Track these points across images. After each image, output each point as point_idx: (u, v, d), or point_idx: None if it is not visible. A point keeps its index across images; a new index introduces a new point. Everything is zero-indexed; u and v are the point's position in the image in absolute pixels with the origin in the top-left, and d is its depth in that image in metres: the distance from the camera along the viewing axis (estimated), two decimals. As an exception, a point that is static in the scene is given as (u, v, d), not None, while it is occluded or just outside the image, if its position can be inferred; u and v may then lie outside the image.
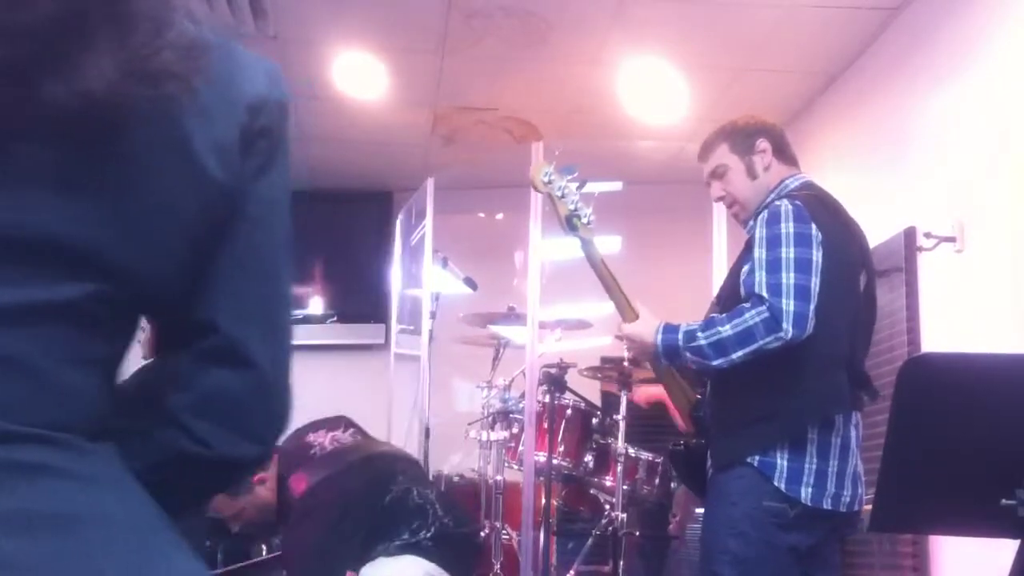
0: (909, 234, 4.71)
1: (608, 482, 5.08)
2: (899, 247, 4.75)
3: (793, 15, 5.14)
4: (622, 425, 5.00)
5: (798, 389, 2.95)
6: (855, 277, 3.12)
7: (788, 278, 2.89)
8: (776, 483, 2.92)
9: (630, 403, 5.04)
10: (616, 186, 6.44)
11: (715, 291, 3.50)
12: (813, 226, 2.98)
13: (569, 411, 5.12)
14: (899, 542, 4.48)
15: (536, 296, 4.78)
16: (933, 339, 4.53)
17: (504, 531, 5.34)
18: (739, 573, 2.94)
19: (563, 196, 3.35)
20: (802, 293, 2.87)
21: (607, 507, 5.12)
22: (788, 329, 2.83)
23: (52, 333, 0.93)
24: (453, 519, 3.59)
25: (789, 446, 2.94)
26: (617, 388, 5.14)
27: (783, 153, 3.30)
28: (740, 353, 2.88)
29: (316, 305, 7.73)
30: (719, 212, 4.81)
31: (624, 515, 4.90)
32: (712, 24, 5.29)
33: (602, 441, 5.13)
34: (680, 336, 3.00)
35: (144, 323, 1.09)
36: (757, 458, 2.95)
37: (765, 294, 2.87)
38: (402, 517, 3.55)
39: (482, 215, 7.47)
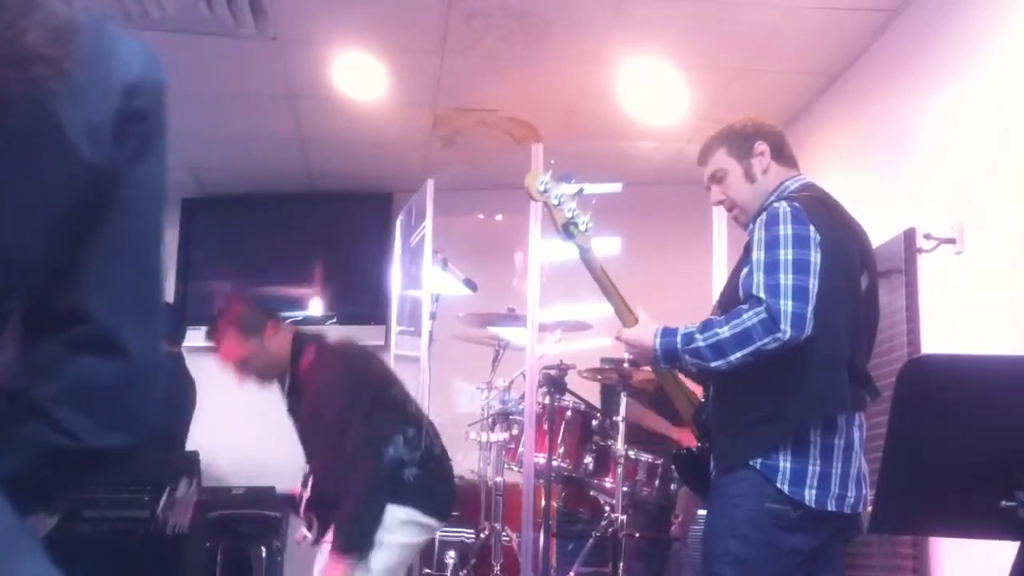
0: (909, 235, 4.71)
1: (608, 484, 5.08)
2: (899, 248, 4.74)
3: (792, 16, 5.14)
4: (622, 427, 5.00)
5: (799, 390, 2.94)
6: (855, 277, 3.11)
7: (786, 279, 2.88)
8: (779, 485, 2.91)
9: (630, 403, 5.05)
10: (616, 187, 6.44)
11: (715, 292, 3.50)
12: (811, 227, 2.97)
13: (569, 412, 5.12)
14: (899, 543, 4.48)
15: (536, 297, 4.78)
16: (933, 340, 4.52)
17: (504, 533, 5.34)
18: (739, 574, 2.93)
19: (560, 204, 3.33)
20: (800, 294, 2.86)
21: (607, 509, 5.11)
22: (786, 330, 2.82)
23: None
24: (440, 448, 3.83)
25: (792, 448, 2.93)
26: (617, 383, 5.14)
27: (782, 155, 3.29)
28: (739, 354, 2.86)
29: (316, 306, 7.73)
30: (719, 214, 4.80)
31: (624, 517, 4.90)
32: (712, 24, 5.29)
33: (602, 443, 5.13)
34: (679, 339, 2.98)
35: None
36: (759, 460, 2.94)
37: (763, 295, 2.87)
38: (403, 416, 3.79)
39: (482, 216, 7.46)
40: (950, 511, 2.39)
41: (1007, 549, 2.39)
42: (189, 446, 5.71)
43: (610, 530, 4.94)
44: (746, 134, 3.29)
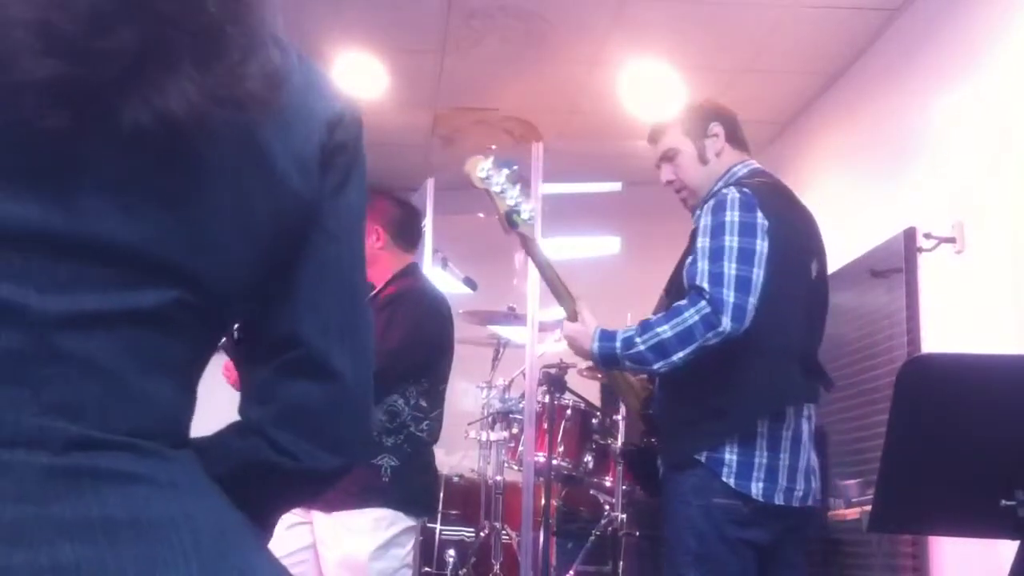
0: (909, 235, 4.71)
1: (608, 482, 5.09)
2: (899, 248, 4.74)
3: (793, 15, 5.14)
4: (622, 425, 5.01)
5: (748, 383, 2.89)
6: (806, 265, 3.05)
7: (730, 268, 2.82)
8: (725, 479, 2.86)
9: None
10: (615, 187, 6.45)
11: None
12: (759, 214, 2.91)
13: (569, 411, 5.13)
14: (899, 542, 4.48)
15: (536, 296, 4.78)
16: (933, 340, 4.53)
17: (504, 531, 5.35)
18: (703, 572, 2.88)
19: (502, 192, 3.23)
20: (743, 285, 2.81)
21: (607, 507, 5.13)
22: (727, 323, 2.77)
23: (134, 339, 0.94)
24: (432, 438, 3.80)
25: (739, 441, 2.88)
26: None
27: (735, 139, 3.23)
28: (682, 354, 2.80)
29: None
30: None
31: (624, 515, 4.91)
32: (711, 25, 5.29)
33: (602, 441, 5.13)
34: (618, 343, 2.90)
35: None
36: (705, 454, 2.88)
37: (706, 285, 2.80)
38: (431, 388, 3.79)
39: (482, 215, 7.45)
40: (950, 510, 2.39)
41: (1007, 548, 2.39)
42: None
43: (610, 529, 4.96)
44: (702, 113, 3.23)
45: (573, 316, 3.10)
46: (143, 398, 0.94)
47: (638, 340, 2.85)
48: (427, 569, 5.38)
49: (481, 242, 6.91)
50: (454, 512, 5.67)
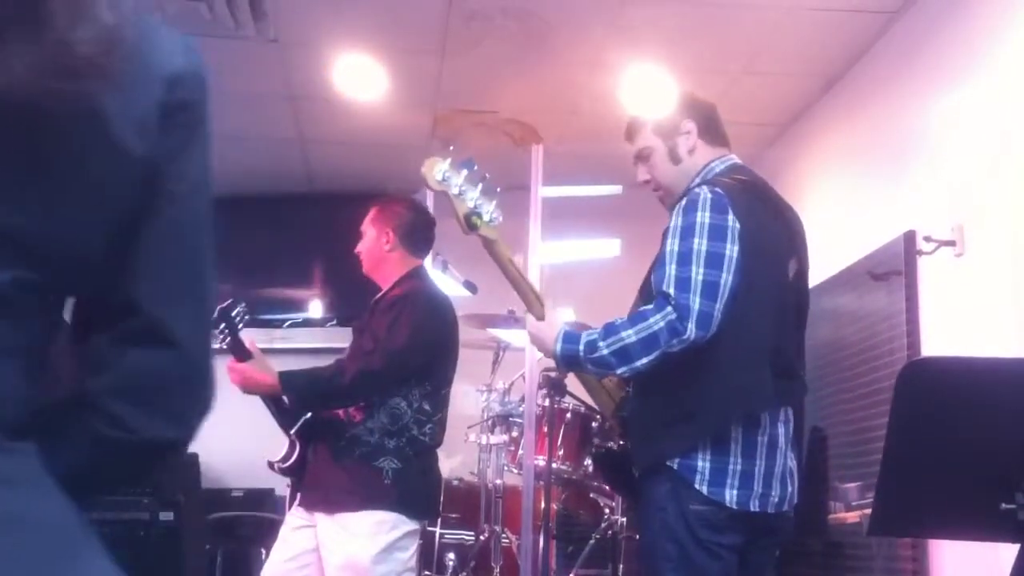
0: (909, 237, 4.71)
1: (607, 486, 5.08)
2: (899, 251, 4.74)
3: (792, 18, 5.14)
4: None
5: (719, 386, 2.82)
6: (781, 266, 2.98)
7: (697, 273, 2.76)
8: (698, 487, 2.80)
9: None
10: (616, 189, 6.44)
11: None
12: (730, 216, 2.84)
13: (569, 415, 5.11)
14: (899, 545, 4.48)
15: (536, 300, 4.77)
16: (933, 343, 4.52)
17: (504, 535, 5.34)
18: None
19: (460, 194, 3.12)
20: (710, 290, 2.74)
21: (607, 511, 5.11)
22: (692, 330, 2.71)
23: None
24: (434, 441, 3.83)
25: (712, 446, 2.81)
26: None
27: (712, 134, 3.15)
28: (645, 360, 2.74)
29: (316, 308, 7.72)
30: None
31: (624, 519, 4.90)
32: (711, 27, 5.29)
33: (602, 445, 5.12)
34: (581, 347, 2.83)
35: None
36: (677, 461, 2.82)
37: (672, 291, 2.74)
38: (433, 393, 3.83)
39: (482, 218, 7.45)
40: (950, 513, 2.39)
41: (1007, 551, 2.39)
42: (189, 448, 5.71)
43: (610, 532, 4.95)
44: (674, 110, 3.16)
45: (540, 316, 3.03)
46: None
47: (601, 344, 2.78)
48: (427, 572, 5.37)
49: (481, 245, 6.93)
50: (454, 515, 5.66)
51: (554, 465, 4.96)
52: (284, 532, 3.85)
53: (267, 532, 5.59)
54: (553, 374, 5.06)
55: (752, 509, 2.83)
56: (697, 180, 3.06)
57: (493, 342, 5.72)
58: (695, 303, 2.72)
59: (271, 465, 3.92)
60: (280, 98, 6.15)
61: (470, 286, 5.62)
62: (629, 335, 2.75)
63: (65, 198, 0.96)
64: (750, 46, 5.49)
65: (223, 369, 3.84)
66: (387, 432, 3.70)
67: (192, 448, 5.83)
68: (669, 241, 2.86)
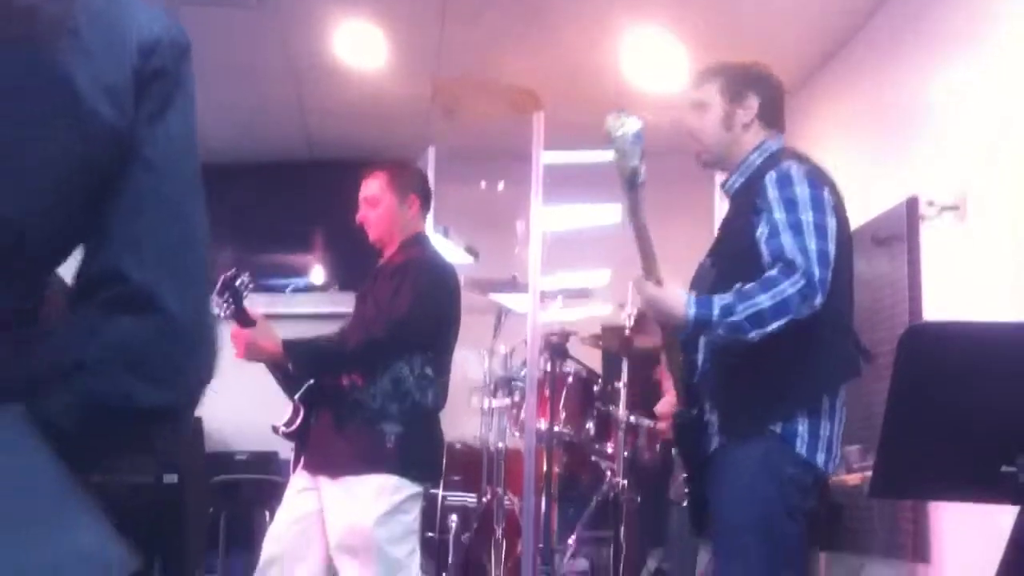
0: (911, 203, 4.71)
1: (609, 449, 5.12)
2: (901, 216, 4.74)
3: (795, -16, 5.12)
4: (623, 392, 5.03)
5: (816, 356, 2.90)
6: (852, 243, 3.09)
7: (811, 243, 2.81)
8: (798, 450, 2.87)
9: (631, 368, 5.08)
10: (617, 156, 6.42)
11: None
12: (826, 190, 2.93)
13: (570, 379, 5.15)
14: (899, 508, 4.51)
15: (537, 265, 4.79)
16: (934, 308, 4.53)
17: (506, 497, 5.38)
18: (772, 544, 2.87)
19: (628, 153, 3.02)
20: (824, 260, 2.81)
21: (608, 473, 5.16)
22: (820, 299, 2.77)
23: None
24: (436, 404, 3.83)
25: (808, 413, 2.90)
26: (618, 349, 5.17)
27: (770, 115, 3.19)
28: (775, 325, 2.77)
29: (318, 274, 7.74)
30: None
31: (624, 481, 4.94)
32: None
33: (603, 408, 5.16)
34: (715, 311, 2.82)
35: None
36: (780, 425, 2.89)
37: (798, 259, 2.79)
38: (437, 358, 3.85)
39: (483, 184, 7.46)
40: (950, 476, 2.40)
41: (1007, 514, 2.42)
42: (190, 414, 5.74)
43: (611, 494, 4.99)
44: (745, 81, 3.18)
45: (658, 281, 2.97)
46: None
47: (739, 308, 2.79)
48: (430, 534, 5.41)
49: (482, 211, 6.93)
50: (456, 478, 5.71)
51: (556, 428, 5.00)
52: (288, 495, 3.87)
53: (271, 495, 5.64)
54: (555, 339, 5.10)
55: (830, 472, 2.96)
56: (756, 154, 3.12)
57: (495, 307, 5.74)
58: (817, 271, 2.78)
59: (275, 429, 3.95)
60: (280, 66, 6.14)
61: (471, 251, 5.65)
62: (763, 300, 2.77)
63: (19, 161, 0.95)
64: (750, 14, 5.47)
65: (226, 336, 3.87)
66: (390, 396, 3.72)
67: (196, 411, 5.91)
68: (776, 213, 2.88)
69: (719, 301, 2.83)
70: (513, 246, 5.67)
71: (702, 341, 3.10)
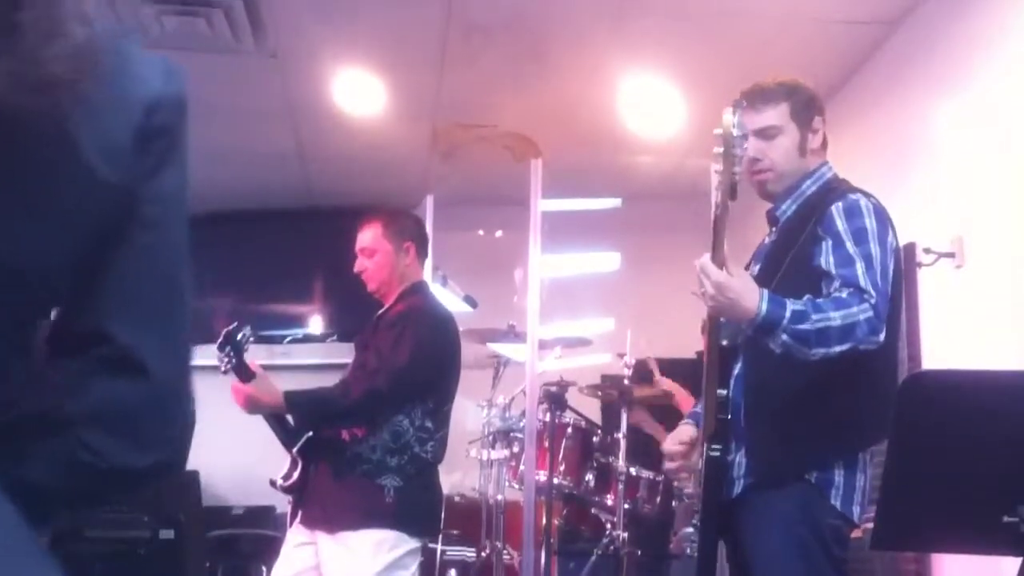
0: (908, 249, 4.68)
1: (609, 501, 5.07)
2: (898, 262, 4.72)
3: (789, 29, 5.14)
4: (623, 443, 4.99)
5: (862, 406, 2.75)
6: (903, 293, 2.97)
7: (879, 279, 2.70)
8: (832, 501, 2.73)
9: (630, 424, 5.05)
10: (615, 202, 6.44)
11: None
12: (891, 231, 2.84)
13: (570, 429, 5.11)
14: (902, 559, 4.45)
15: (536, 314, 4.77)
16: (933, 355, 4.51)
17: (505, 551, 5.32)
18: None
19: (734, 162, 2.80)
20: (887, 300, 2.70)
21: (608, 526, 5.11)
22: (883, 335, 2.65)
23: None
24: (435, 458, 3.80)
25: (844, 464, 2.76)
26: (617, 400, 5.13)
27: (826, 140, 3.09)
28: (838, 349, 2.60)
29: (316, 324, 7.72)
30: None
31: (625, 534, 4.89)
32: (709, 38, 5.29)
33: (603, 460, 5.12)
34: (788, 312, 2.60)
35: None
36: (815, 474, 2.74)
37: (871, 290, 2.65)
38: (435, 409, 3.80)
39: (481, 232, 7.46)
40: (952, 527, 2.38)
41: (1010, 564, 2.37)
42: (189, 466, 5.71)
43: (611, 547, 4.94)
44: (813, 104, 3.04)
45: (723, 266, 2.69)
46: None
47: (813, 316, 2.59)
48: (429, 590, 5.35)
49: (480, 259, 6.93)
50: (455, 532, 5.65)
51: (555, 480, 4.95)
52: (285, 550, 3.83)
53: (268, 549, 5.59)
54: (554, 389, 5.05)
55: (860, 525, 2.80)
56: (810, 181, 2.99)
57: (493, 357, 5.71)
58: (883, 308, 2.66)
59: (273, 483, 3.91)
60: (279, 113, 6.15)
61: (470, 301, 5.62)
62: (835, 316, 2.60)
63: (29, 218, 0.95)
64: (747, 57, 5.48)
65: (225, 389, 3.84)
66: (389, 450, 3.69)
67: (192, 466, 5.81)
68: (848, 244, 2.75)
69: (792, 304, 2.62)
70: (511, 294, 5.66)
71: (736, 373, 2.89)
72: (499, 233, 7.30)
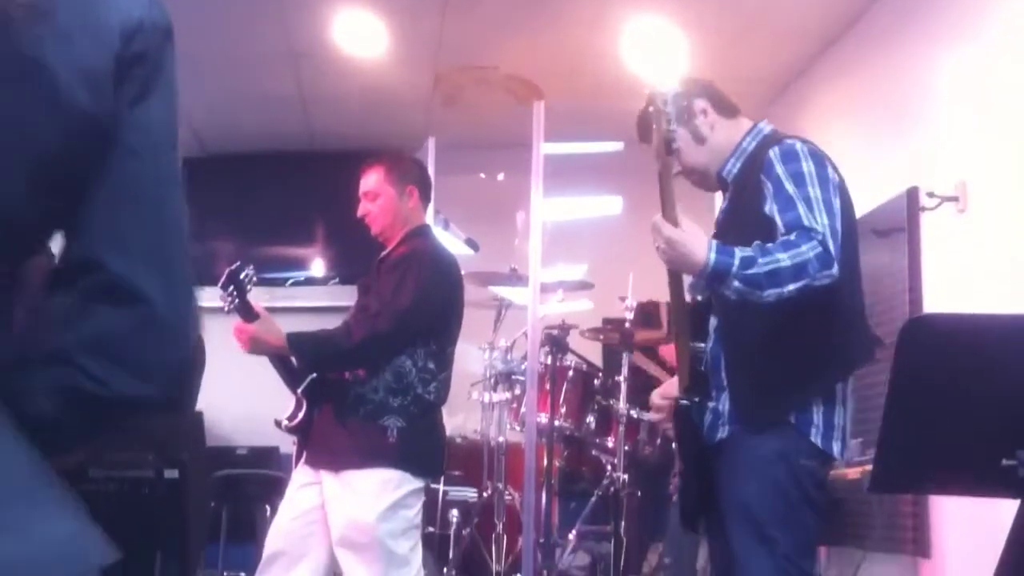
0: (912, 194, 4.69)
1: (609, 443, 5.11)
2: (901, 207, 4.73)
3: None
4: (624, 386, 5.02)
5: (833, 342, 2.84)
6: (857, 227, 3.02)
7: (822, 217, 2.73)
8: (813, 439, 2.81)
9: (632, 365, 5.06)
10: (617, 146, 6.42)
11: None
12: (829, 169, 2.87)
13: (571, 372, 5.14)
14: (899, 501, 4.50)
15: (538, 257, 4.76)
16: (935, 300, 4.52)
17: (507, 492, 5.37)
18: (796, 537, 2.81)
19: (668, 118, 2.88)
20: (835, 236, 2.72)
21: (608, 468, 5.15)
22: (836, 269, 2.68)
23: None
24: (438, 398, 3.83)
25: (822, 402, 2.84)
26: (619, 343, 5.15)
27: (724, 106, 3.13)
28: (791, 287, 2.64)
29: (318, 267, 7.73)
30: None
31: (625, 476, 4.93)
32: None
33: (604, 402, 5.15)
34: (736, 260, 2.66)
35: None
36: (794, 415, 2.82)
37: (816, 227, 2.69)
38: (439, 351, 3.83)
39: (483, 175, 7.43)
40: (951, 470, 2.40)
41: (1008, 508, 2.40)
42: (176, 407, 5.73)
43: (611, 489, 4.98)
44: (681, 96, 3.07)
45: (674, 222, 2.76)
46: None
47: (761, 260, 2.65)
48: (431, 529, 5.41)
49: (482, 202, 6.92)
50: (457, 473, 5.70)
51: (556, 423, 4.99)
52: (290, 490, 3.86)
53: (272, 490, 5.64)
54: (555, 332, 5.08)
55: (844, 459, 2.93)
56: (750, 139, 3.06)
57: (495, 300, 5.72)
58: (831, 244, 2.69)
59: (278, 424, 3.94)
60: (281, 56, 6.12)
61: (472, 244, 5.63)
62: (783, 258, 2.65)
63: (2, 147, 0.94)
64: (750, 4, 5.45)
65: (229, 330, 3.85)
66: (391, 390, 3.71)
67: (197, 406, 5.85)
68: (787, 186, 2.80)
69: (740, 252, 2.68)
70: (513, 237, 5.66)
71: (712, 326, 3.03)
72: (501, 176, 7.28)
